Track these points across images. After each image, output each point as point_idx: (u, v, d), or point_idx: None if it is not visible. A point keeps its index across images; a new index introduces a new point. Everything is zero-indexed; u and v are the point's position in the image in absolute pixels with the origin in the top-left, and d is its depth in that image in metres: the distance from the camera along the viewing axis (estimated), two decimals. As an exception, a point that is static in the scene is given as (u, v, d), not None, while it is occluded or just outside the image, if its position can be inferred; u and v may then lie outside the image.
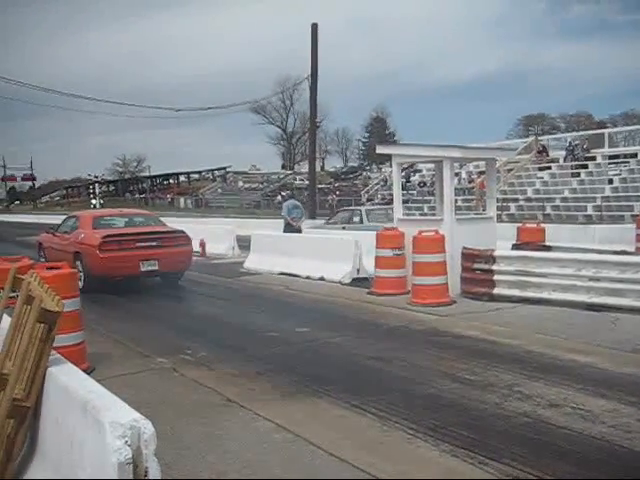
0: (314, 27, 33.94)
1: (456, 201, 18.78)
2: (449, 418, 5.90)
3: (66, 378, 4.14)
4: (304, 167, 72.57)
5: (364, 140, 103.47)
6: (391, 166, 17.19)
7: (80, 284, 10.56)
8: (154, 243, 14.24)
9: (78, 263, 13.73)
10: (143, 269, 13.97)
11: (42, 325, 4.42)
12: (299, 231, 20.16)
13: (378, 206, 25.94)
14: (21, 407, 4.30)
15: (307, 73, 35.26)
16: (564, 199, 33.70)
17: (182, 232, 15.54)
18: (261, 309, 12.11)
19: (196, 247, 22.52)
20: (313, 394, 6.77)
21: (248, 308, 12.30)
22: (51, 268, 8.31)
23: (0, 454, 4.39)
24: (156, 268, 14.14)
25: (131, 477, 3.12)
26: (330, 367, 7.92)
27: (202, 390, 6.99)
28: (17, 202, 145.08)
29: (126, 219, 16.08)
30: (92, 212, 20.55)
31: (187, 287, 15.21)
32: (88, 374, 7.45)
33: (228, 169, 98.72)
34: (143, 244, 14.04)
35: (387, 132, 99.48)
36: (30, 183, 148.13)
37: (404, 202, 16.83)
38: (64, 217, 18.52)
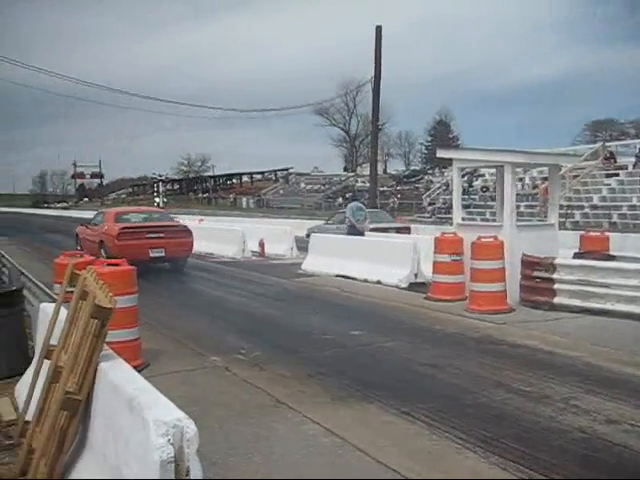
0: (378, 29, 33.87)
1: (518, 207, 18.45)
2: (501, 430, 5.77)
3: (115, 374, 4.21)
4: (366, 169, 72.42)
5: (427, 144, 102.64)
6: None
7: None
8: (161, 234, 17.19)
9: (102, 250, 16.70)
10: (152, 255, 16.67)
11: (95, 321, 4.50)
12: (362, 234, 20.07)
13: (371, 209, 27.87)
14: (73, 400, 4.38)
15: (370, 75, 35.22)
16: (632, 207, 32.65)
17: (184, 226, 18.72)
18: (316, 311, 12.12)
19: (255, 247, 22.81)
20: (363, 399, 6.72)
21: (303, 309, 12.33)
22: (110, 265, 8.48)
23: (53, 445, 4.50)
24: (163, 255, 17.02)
25: (173, 476, 3.14)
26: (382, 372, 7.86)
27: (252, 390, 7.02)
28: (85, 199, 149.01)
29: (143, 215, 19.57)
30: (116, 209, 23.84)
31: (243, 286, 15.35)
32: (141, 370, 7.66)
33: (290, 170, 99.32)
34: (152, 235, 17.05)
35: (450, 136, 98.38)
36: (98, 181, 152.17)
37: (466, 207, 16.70)
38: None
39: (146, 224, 18.08)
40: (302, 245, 21.42)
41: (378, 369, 8.00)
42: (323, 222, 26.63)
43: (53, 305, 6.21)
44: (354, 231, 19.83)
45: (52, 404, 4.63)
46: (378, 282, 15.08)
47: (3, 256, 15.40)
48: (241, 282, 16.22)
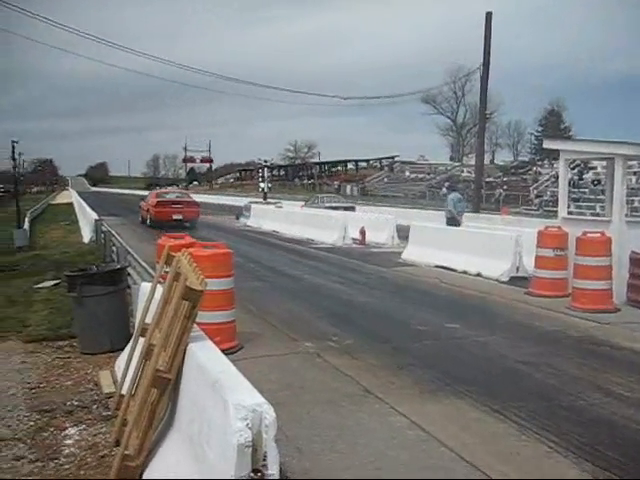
0: (488, 15, 32.96)
1: (632, 202, 17.52)
2: (596, 435, 5.52)
3: (203, 355, 4.30)
4: (472, 159, 70.96)
5: (537, 134, 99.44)
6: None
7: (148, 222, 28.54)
8: (180, 206, 29.31)
9: (148, 215, 29.36)
10: (174, 217, 28.06)
11: (186, 302, 4.61)
12: (458, 225, 19.75)
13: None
14: (163, 378, 4.52)
15: (479, 62, 34.37)
16: None
17: (195, 201, 31.30)
18: (413, 301, 11.99)
19: (356, 234, 22.81)
20: (453, 393, 6.59)
21: (400, 299, 12.23)
22: (208, 247, 8.68)
23: (144, 419, 4.66)
24: (181, 218, 28.37)
25: (249, 460, 3.18)
26: (475, 367, 7.68)
27: (342, 378, 7.02)
28: (195, 182, 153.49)
29: (171, 195, 32.44)
30: (157, 190, 42.03)
31: (342, 273, 15.38)
32: (235, 352, 7.82)
33: (396, 158, 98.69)
34: (175, 206, 29.12)
35: (562, 127, 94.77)
36: (208, 165, 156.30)
37: (575, 200, 16.02)
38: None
39: (172, 199, 30.56)
40: (404, 234, 21.24)
41: (471, 364, 7.83)
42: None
43: (150, 284, 6.41)
44: (454, 222, 19.52)
45: (144, 380, 4.79)
46: (478, 274, 14.77)
47: (113, 235, 16.10)
48: (340, 269, 16.26)
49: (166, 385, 4.53)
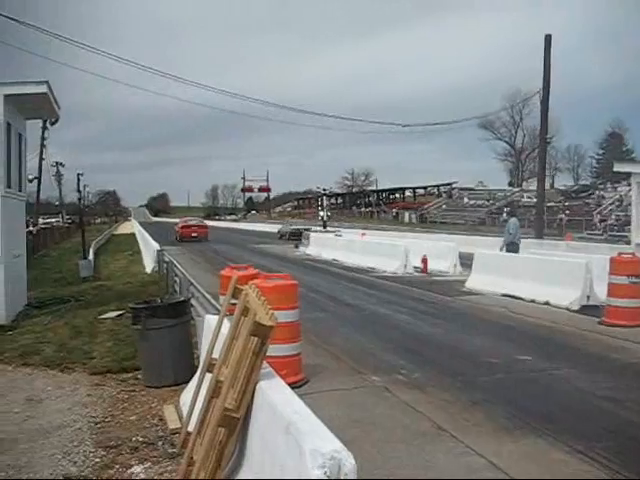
0: (547, 38, 32.43)
1: None
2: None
3: (274, 394, 4.10)
4: (532, 184, 69.81)
5: (597, 157, 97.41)
6: (629, 185, 15.79)
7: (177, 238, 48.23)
8: (196, 227, 50.03)
9: (177, 234, 49.26)
10: (192, 235, 47.58)
11: (255, 338, 4.44)
12: (517, 251, 19.32)
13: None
14: (231, 418, 4.34)
15: (538, 87, 33.81)
16: None
17: (205, 225, 52.32)
18: (480, 332, 11.59)
19: (418, 263, 22.47)
20: (532, 432, 6.23)
21: (467, 329, 11.84)
22: (273, 279, 8.53)
23: (212, 459, 4.48)
24: (196, 235, 47.69)
25: (328, 510, 2.96)
26: (553, 403, 7.28)
27: (413, 414, 6.74)
28: (253, 212, 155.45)
29: (192, 221, 53.85)
30: (184, 218, 58.01)
31: (405, 303, 15.07)
32: (301, 386, 7.62)
33: (454, 185, 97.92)
34: (192, 228, 49.66)
35: (624, 149, 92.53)
36: (265, 194, 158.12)
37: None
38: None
39: (191, 224, 50.98)
40: (466, 262, 20.82)
41: (548, 399, 7.43)
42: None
43: (217, 317, 6.28)
44: (513, 248, 19.09)
45: (212, 419, 4.62)
46: (546, 303, 14.27)
47: (175, 266, 16.17)
48: (402, 298, 15.95)
49: (235, 425, 4.35)
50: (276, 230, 61.35)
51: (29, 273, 18.64)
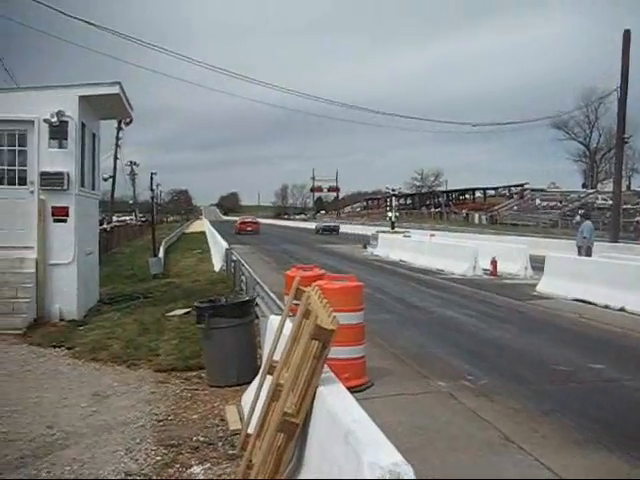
0: (626, 33, 31.24)
1: None
2: None
3: (334, 401, 3.98)
4: (607, 186, 67.66)
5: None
6: None
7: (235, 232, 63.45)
8: (250, 223, 69.37)
9: (235, 228, 67.10)
10: (247, 229, 65.46)
11: (316, 342, 4.34)
12: (590, 254, 18.73)
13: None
14: (290, 423, 4.24)
15: (615, 85, 32.67)
16: None
17: (257, 221, 72.40)
18: (550, 337, 11.22)
19: (487, 265, 22.01)
20: (605, 446, 5.93)
21: (536, 335, 11.48)
22: (338, 280, 8.43)
23: (270, 464, 4.40)
24: (250, 229, 65.24)
25: (386, 526, 2.82)
26: (628, 416, 6.94)
27: (479, 423, 6.51)
28: (322, 212, 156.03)
29: (248, 219, 75.56)
30: (242, 217, 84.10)
31: (473, 305, 14.76)
32: (364, 389, 7.49)
33: (525, 186, 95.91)
34: (248, 224, 68.90)
35: None
36: (334, 194, 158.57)
37: None
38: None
39: (247, 221, 71.70)
40: (537, 265, 20.29)
41: (623, 412, 7.08)
42: None
43: (280, 318, 6.20)
44: (587, 252, 18.53)
45: (271, 422, 4.54)
46: (622, 309, 13.76)
47: (242, 265, 16.25)
48: (470, 301, 15.63)
49: (293, 430, 4.25)
50: (345, 231, 61.71)
51: (102, 269, 19.10)
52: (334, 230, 66.73)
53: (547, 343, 10.71)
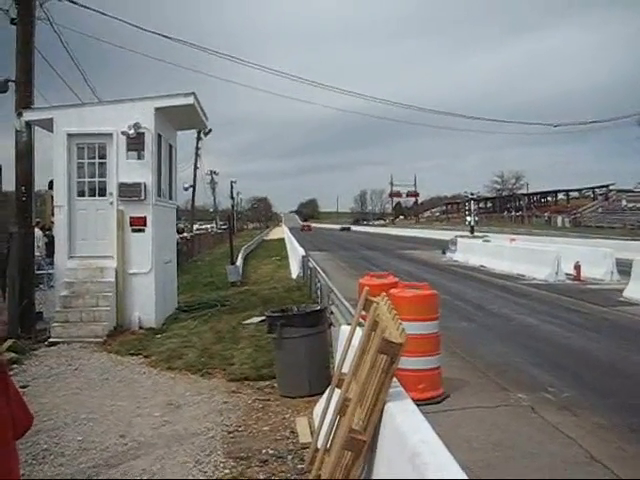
0: None
1: None
2: None
3: (402, 418, 3.77)
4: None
5: None
6: None
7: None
8: (306, 225, 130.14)
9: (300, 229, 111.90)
10: (306, 229, 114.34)
11: (384, 356, 4.15)
12: None
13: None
14: (357, 440, 4.07)
15: None
16: None
17: (310, 225, 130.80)
18: (639, 347, 10.63)
19: (570, 270, 21.25)
20: (701, 468, 5.50)
21: (624, 344, 10.90)
22: (412, 288, 8.21)
23: (338, 483, 4.24)
24: (309, 229, 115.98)
25: None
26: None
27: (561, 440, 6.16)
28: (401, 217, 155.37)
29: (307, 223, 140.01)
30: (304, 221, 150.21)
31: (555, 313, 14.20)
32: (440, 402, 7.24)
33: (610, 187, 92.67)
34: (305, 227, 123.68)
35: None
36: (413, 199, 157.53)
37: None
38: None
39: (306, 224, 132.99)
40: (623, 269, 19.43)
41: None
42: None
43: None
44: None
45: (338, 438, 4.38)
46: None
47: (318, 272, 16.16)
48: (553, 308, 15.06)
49: (360, 448, 4.07)
50: (424, 236, 61.18)
51: (182, 277, 19.39)
52: (348, 229, 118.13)
53: (636, 353, 10.15)
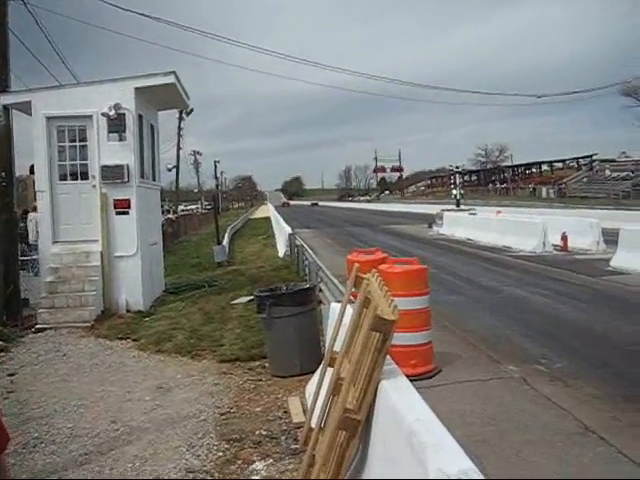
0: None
1: None
2: None
3: (396, 396, 3.71)
4: (685, 153, 64.69)
5: None
6: None
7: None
8: (285, 202, 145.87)
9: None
10: (284, 205, 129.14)
11: (376, 333, 4.08)
12: None
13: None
14: (351, 420, 4.01)
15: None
16: None
17: (288, 202, 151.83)
18: (628, 317, 10.64)
19: (557, 241, 21.28)
20: (695, 434, 5.50)
21: (613, 314, 10.92)
22: (401, 263, 8.15)
23: (333, 461, 4.19)
24: (287, 205, 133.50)
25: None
26: None
27: (555, 411, 6.15)
28: (386, 192, 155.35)
29: (284, 200, 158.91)
30: (283, 199, 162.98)
31: (544, 284, 14.21)
32: (432, 376, 7.21)
33: (594, 157, 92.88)
34: (284, 203, 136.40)
35: None
36: (398, 174, 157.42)
37: None
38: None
39: (284, 201, 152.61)
40: (610, 239, 19.47)
41: None
42: None
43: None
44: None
45: (332, 418, 4.32)
46: None
47: (306, 250, 16.08)
48: (542, 279, 15.06)
49: (355, 428, 4.01)
50: (409, 210, 61.19)
51: (169, 259, 19.23)
52: (316, 204, 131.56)
53: (627, 323, 10.14)
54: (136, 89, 13.01)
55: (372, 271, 5.22)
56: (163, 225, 24.49)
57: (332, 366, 4.90)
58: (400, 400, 3.63)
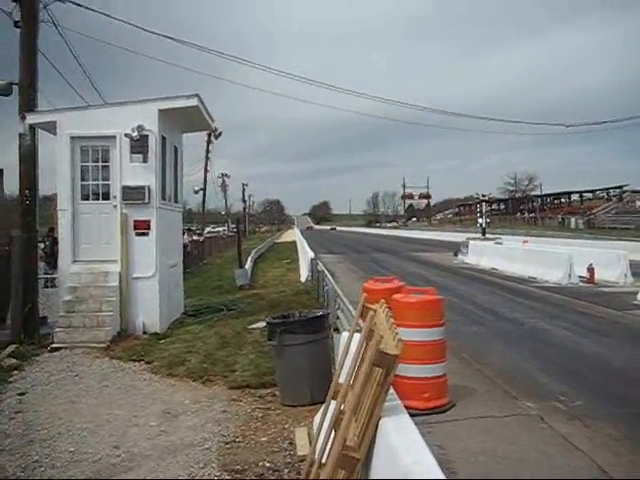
0: None
1: None
2: None
3: (396, 435, 3.54)
4: None
5: None
6: None
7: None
8: (308, 227, 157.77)
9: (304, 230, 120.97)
10: (308, 229, 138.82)
11: (379, 368, 3.92)
12: None
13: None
14: (350, 458, 3.84)
15: None
16: None
17: (312, 226, 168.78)
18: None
19: (583, 272, 20.89)
20: None
21: (635, 350, 10.59)
22: (417, 293, 7.97)
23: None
24: (311, 229, 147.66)
25: None
26: None
27: (571, 453, 5.88)
28: (414, 219, 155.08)
29: (310, 225, 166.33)
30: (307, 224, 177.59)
31: (568, 317, 13.88)
32: (446, 411, 6.99)
33: (625, 188, 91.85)
34: (308, 227, 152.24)
35: None
36: (426, 201, 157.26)
37: None
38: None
39: (308, 226, 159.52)
40: (638, 271, 19.07)
41: None
42: None
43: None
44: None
45: (332, 455, 4.15)
46: None
47: (326, 275, 15.93)
48: (566, 312, 14.74)
49: (354, 466, 3.84)
50: (435, 238, 60.87)
51: (191, 281, 19.18)
52: (334, 228, 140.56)
53: (650, 359, 9.84)
54: (160, 111, 13.06)
55: (380, 301, 5.07)
56: (187, 247, 24.52)
57: (335, 399, 4.74)
58: (399, 440, 3.47)
